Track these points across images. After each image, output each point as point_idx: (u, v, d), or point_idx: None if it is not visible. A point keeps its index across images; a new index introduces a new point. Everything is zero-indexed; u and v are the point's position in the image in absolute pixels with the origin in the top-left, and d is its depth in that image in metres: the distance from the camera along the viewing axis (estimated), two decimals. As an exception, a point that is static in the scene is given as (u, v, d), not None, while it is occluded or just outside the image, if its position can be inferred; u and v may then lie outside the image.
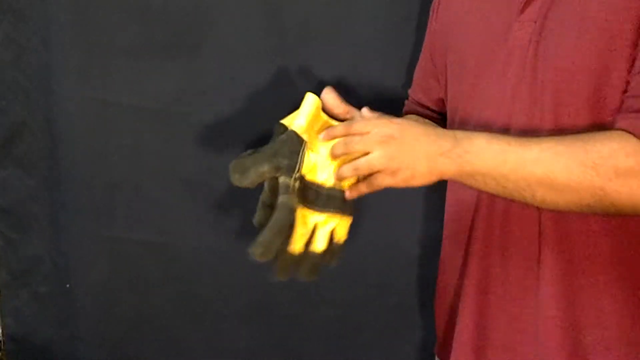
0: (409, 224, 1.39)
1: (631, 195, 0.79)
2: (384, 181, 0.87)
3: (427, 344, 1.19)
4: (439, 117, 1.16)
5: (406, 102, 1.23)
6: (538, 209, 0.90)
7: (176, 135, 1.38)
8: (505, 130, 0.92)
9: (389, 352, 1.45)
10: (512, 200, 0.87)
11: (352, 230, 1.42)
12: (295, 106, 1.36)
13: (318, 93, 1.33)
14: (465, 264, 1.01)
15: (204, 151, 1.38)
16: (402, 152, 0.84)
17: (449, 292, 1.07)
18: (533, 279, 0.92)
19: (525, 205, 0.89)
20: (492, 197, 0.93)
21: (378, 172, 0.87)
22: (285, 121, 0.96)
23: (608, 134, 0.81)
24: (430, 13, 1.13)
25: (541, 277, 0.92)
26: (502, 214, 0.95)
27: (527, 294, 0.93)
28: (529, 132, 0.89)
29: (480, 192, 0.96)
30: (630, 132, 0.80)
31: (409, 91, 1.23)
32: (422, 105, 1.19)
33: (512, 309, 0.95)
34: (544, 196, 0.82)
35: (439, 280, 1.13)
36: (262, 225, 0.89)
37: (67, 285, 1.42)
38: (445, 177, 0.86)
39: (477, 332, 0.99)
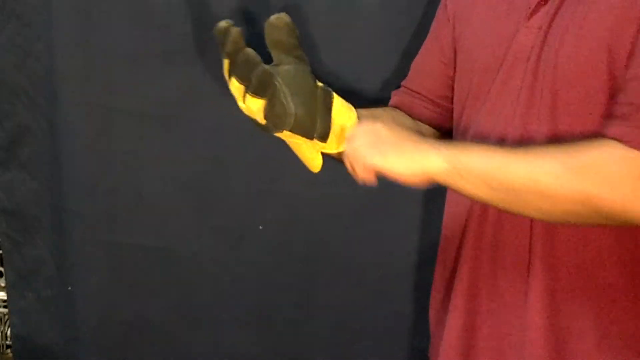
0: (407, 231, 1.38)
1: (614, 203, 0.78)
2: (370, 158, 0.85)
3: (425, 350, 1.18)
4: (431, 110, 1.11)
5: (394, 92, 1.16)
6: (530, 221, 0.90)
7: (178, 141, 1.38)
8: (503, 136, 0.92)
9: (386, 357, 1.45)
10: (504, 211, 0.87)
11: (351, 236, 1.43)
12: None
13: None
14: (456, 268, 1.02)
15: (205, 157, 1.38)
16: (384, 141, 0.85)
17: (441, 294, 1.08)
18: (522, 287, 0.93)
19: (516, 217, 0.89)
20: (485, 206, 0.93)
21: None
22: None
23: (594, 142, 0.81)
24: (441, 3, 1.10)
25: (530, 286, 0.92)
26: (493, 223, 0.95)
27: (516, 302, 0.93)
28: (525, 139, 0.89)
29: (473, 203, 0.96)
30: (617, 140, 0.80)
31: (403, 83, 1.16)
32: (420, 95, 1.12)
33: (500, 315, 0.96)
34: (526, 199, 0.81)
35: (434, 283, 1.13)
36: None
37: (69, 288, 1.44)
38: (433, 174, 0.83)
39: (465, 335, 1.00)
